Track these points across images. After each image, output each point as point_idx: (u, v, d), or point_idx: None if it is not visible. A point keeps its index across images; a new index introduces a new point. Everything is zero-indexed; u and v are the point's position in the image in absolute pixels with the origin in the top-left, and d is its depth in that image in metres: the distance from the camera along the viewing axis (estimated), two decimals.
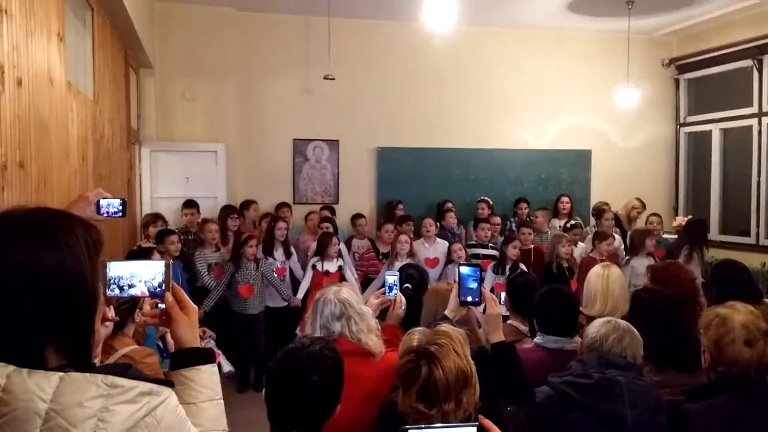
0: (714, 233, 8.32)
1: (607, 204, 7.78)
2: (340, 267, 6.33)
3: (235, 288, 6.10)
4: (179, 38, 7.37)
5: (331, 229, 6.64)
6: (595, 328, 2.53)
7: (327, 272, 6.20)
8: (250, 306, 6.14)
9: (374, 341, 2.43)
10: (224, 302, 6.16)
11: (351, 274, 6.48)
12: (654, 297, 3.14)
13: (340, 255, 6.42)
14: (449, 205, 7.68)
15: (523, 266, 6.24)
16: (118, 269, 1.41)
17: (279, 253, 6.48)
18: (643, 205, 7.91)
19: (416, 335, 1.96)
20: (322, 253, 6.26)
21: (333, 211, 7.50)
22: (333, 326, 2.42)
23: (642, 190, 8.40)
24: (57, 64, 3.53)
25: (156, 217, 6.30)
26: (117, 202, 2.92)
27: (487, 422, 1.61)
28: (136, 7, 5.52)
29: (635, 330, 2.51)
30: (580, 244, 6.79)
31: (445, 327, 1.99)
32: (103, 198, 2.91)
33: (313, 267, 6.26)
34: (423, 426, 1.45)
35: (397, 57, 8.15)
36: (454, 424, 1.46)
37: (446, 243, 6.72)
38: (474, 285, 2.40)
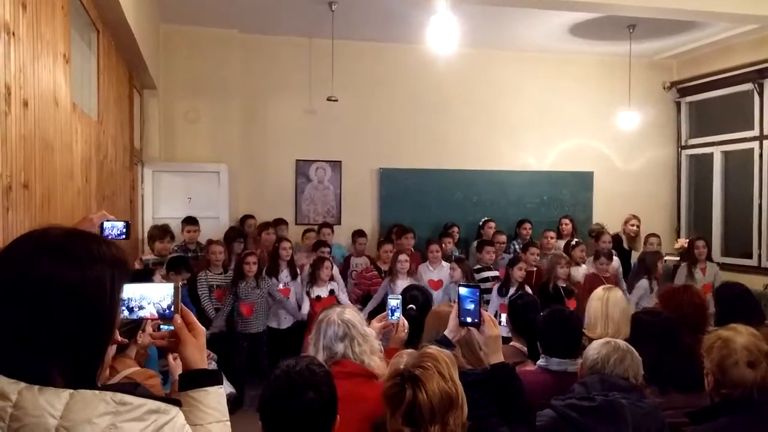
0: (716, 255, 8.31)
1: (600, 224, 7.80)
2: (332, 291, 6.31)
3: (237, 307, 6.08)
4: (183, 60, 7.44)
5: (327, 253, 6.65)
6: (594, 350, 2.52)
7: (318, 297, 6.19)
8: (252, 325, 6.10)
9: (377, 363, 2.43)
10: (226, 323, 6.13)
11: (345, 297, 6.43)
12: (654, 319, 3.13)
13: (332, 278, 6.41)
14: (454, 230, 7.67)
15: (528, 288, 6.23)
16: (127, 291, 1.41)
17: (284, 274, 6.45)
18: (638, 219, 7.90)
19: (404, 358, 1.96)
20: (313, 278, 6.27)
21: (332, 229, 7.50)
22: (336, 347, 2.42)
23: (644, 211, 8.39)
24: (62, 86, 3.56)
25: (164, 232, 6.23)
26: (121, 224, 2.94)
27: None
28: (142, 29, 5.58)
29: (634, 350, 2.51)
30: (583, 265, 6.78)
31: (431, 349, 1.99)
32: (107, 220, 2.92)
33: (308, 293, 6.28)
34: None
35: (399, 79, 8.21)
36: None
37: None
38: (472, 306, 2.39)
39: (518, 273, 6.25)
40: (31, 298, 1.13)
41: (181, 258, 5.97)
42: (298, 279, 6.56)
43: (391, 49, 8.14)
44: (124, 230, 2.85)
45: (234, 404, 5.89)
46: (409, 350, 2.06)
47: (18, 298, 1.13)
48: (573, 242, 7.13)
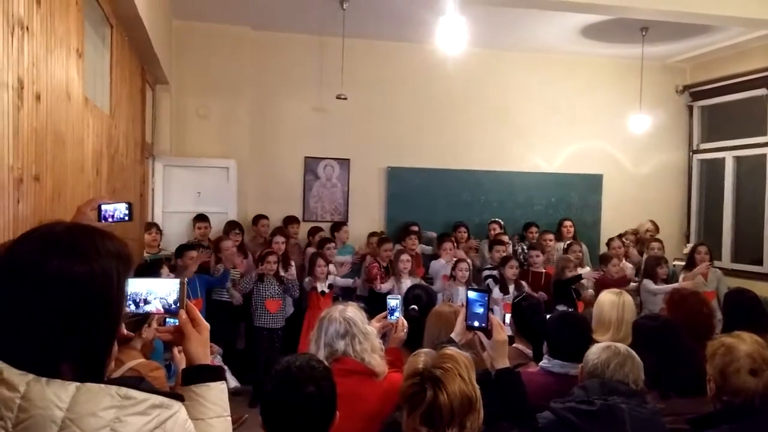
0: (726, 261, 8.27)
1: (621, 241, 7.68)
2: (330, 286, 6.41)
3: (261, 302, 6.20)
4: (195, 56, 7.48)
5: (333, 248, 6.79)
6: (594, 354, 2.51)
7: (323, 293, 6.29)
8: (274, 320, 6.24)
9: (378, 361, 2.44)
10: (230, 315, 6.19)
11: (341, 281, 6.69)
12: (653, 323, 3.14)
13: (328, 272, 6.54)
14: (462, 230, 7.70)
15: (528, 288, 6.30)
16: (134, 286, 1.45)
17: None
18: (657, 228, 7.87)
19: (422, 357, 1.95)
20: (311, 273, 6.38)
21: (339, 226, 7.59)
22: (337, 344, 2.43)
23: (653, 215, 8.36)
24: (75, 80, 3.59)
25: (150, 225, 6.30)
26: (123, 206, 2.87)
27: None
28: (155, 25, 5.61)
29: (635, 354, 2.51)
30: (586, 267, 6.79)
31: (451, 350, 1.98)
32: (104, 203, 2.86)
33: (313, 288, 6.37)
34: None
35: (409, 78, 8.21)
36: None
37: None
38: (481, 310, 2.36)
39: (509, 271, 6.41)
40: (43, 295, 1.16)
41: (186, 245, 6.05)
42: (290, 271, 6.61)
43: (401, 49, 8.14)
44: (127, 212, 2.80)
45: (253, 398, 5.96)
46: (427, 350, 2.06)
47: (30, 296, 1.16)
48: (567, 243, 7.14)
